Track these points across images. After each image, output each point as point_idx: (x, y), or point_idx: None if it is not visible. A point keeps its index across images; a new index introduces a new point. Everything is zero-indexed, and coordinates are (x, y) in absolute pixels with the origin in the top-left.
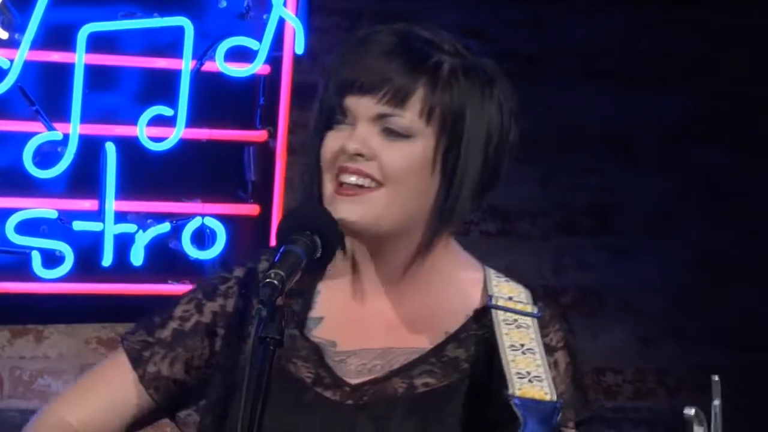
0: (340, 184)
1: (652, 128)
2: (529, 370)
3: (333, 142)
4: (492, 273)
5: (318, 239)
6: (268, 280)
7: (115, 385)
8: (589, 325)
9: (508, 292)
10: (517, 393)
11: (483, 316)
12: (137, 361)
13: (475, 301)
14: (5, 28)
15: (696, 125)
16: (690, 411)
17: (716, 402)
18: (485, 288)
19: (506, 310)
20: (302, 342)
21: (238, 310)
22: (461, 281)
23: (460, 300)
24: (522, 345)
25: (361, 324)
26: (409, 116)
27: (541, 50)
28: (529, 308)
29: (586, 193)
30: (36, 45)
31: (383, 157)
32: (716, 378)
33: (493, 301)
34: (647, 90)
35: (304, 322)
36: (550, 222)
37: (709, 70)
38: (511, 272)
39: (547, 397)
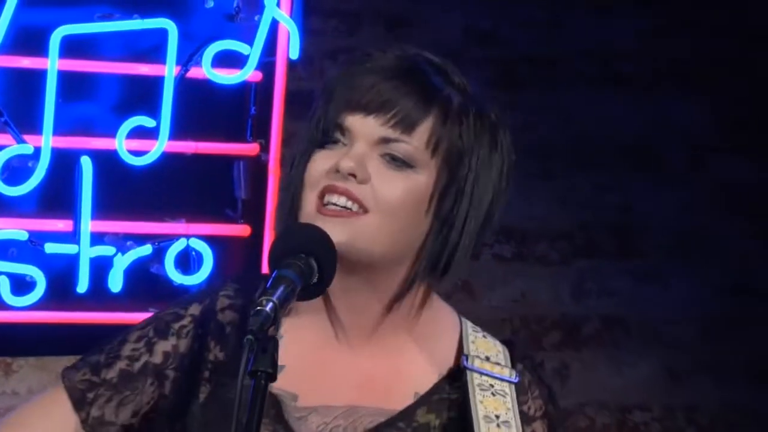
0: (324, 204)
1: (678, 138)
2: None
3: (323, 161)
4: (469, 327)
5: (314, 263)
6: (259, 307)
7: (55, 425)
8: (612, 357)
9: (486, 350)
10: None
11: (457, 377)
12: (80, 403)
13: (449, 359)
14: None
15: (727, 135)
16: None
17: None
18: (461, 344)
19: (482, 373)
20: None
21: (191, 351)
22: (437, 336)
23: (434, 357)
24: (497, 417)
25: (326, 376)
26: (416, 144)
27: (557, 54)
28: (507, 372)
29: (609, 212)
30: (4, 49)
31: (379, 184)
32: None
33: (469, 362)
34: (673, 97)
35: None
36: (569, 244)
37: (738, 73)
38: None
39: None
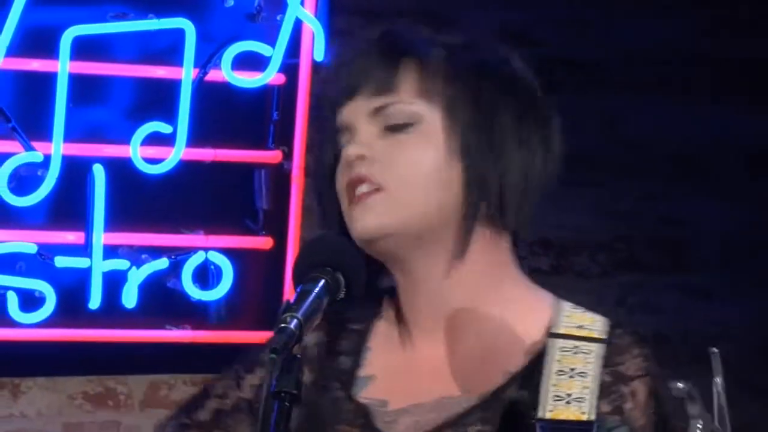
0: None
1: (733, 148)
2: (570, 392)
3: (342, 169)
4: (567, 305)
5: (341, 277)
6: (282, 324)
7: None
8: None
9: (580, 320)
10: (547, 416)
11: (541, 352)
12: None
13: (540, 336)
14: None
15: None
16: (681, 385)
17: (717, 379)
18: (552, 318)
19: (568, 338)
20: (348, 404)
21: None
22: (525, 313)
23: (523, 334)
24: (572, 369)
25: (411, 376)
26: (405, 98)
27: (598, 55)
28: (596, 334)
29: (654, 223)
30: (12, 51)
31: (390, 157)
32: (715, 350)
33: (555, 329)
34: (724, 102)
35: (352, 383)
36: (611, 257)
37: None
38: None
39: (584, 417)
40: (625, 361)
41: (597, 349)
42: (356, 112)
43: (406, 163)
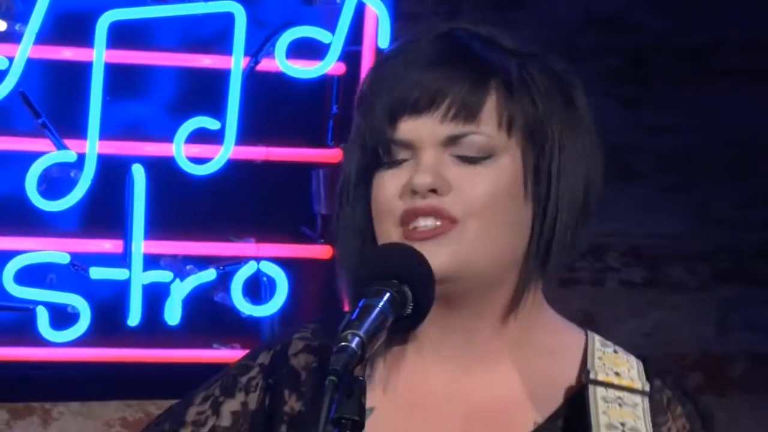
0: (412, 230)
1: None
2: None
3: (391, 182)
4: (597, 342)
5: (408, 290)
6: (343, 343)
7: None
8: (765, 406)
9: (614, 365)
10: None
11: (580, 396)
12: None
13: (571, 380)
14: (2, 17)
15: None
16: None
17: None
18: (585, 361)
19: (608, 386)
20: None
21: (263, 407)
22: (556, 355)
23: (553, 379)
24: (623, 424)
25: (427, 415)
26: (486, 130)
27: (696, 43)
28: (639, 385)
29: (760, 230)
30: (42, 38)
31: (462, 187)
32: None
33: (592, 376)
34: None
35: None
36: (710, 268)
37: None
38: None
39: None
40: (668, 420)
41: (641, 402)
42: (424, 133)
43: (484, 197)
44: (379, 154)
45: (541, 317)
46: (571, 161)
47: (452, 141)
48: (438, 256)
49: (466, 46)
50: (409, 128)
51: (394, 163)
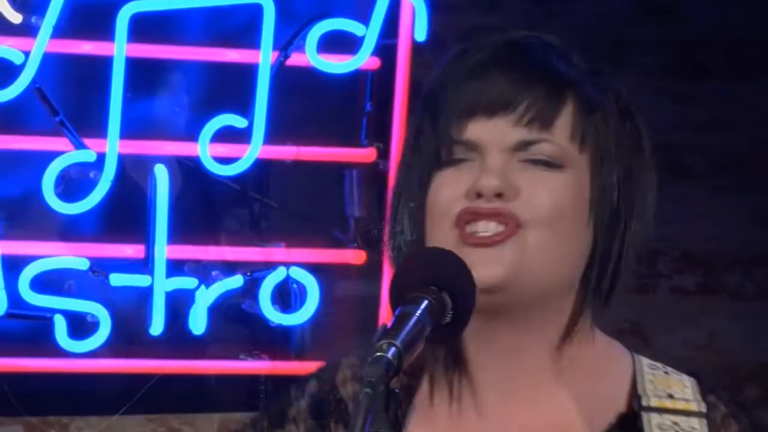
0: (471, 234)
1: None
2: None
3: (452, 184)
4: (645, 364)
5: (447, 297)
6: (378, 353)
7: None
8: None
9: (667, 387)
10: None
11: (631, 423)
12: None
13: (620, 405)
14: (18, 9)
15: None
16: None
17: None
18: (634, 385)
19: (662, 411)
20: None
21: None
22: (604, 380)
23: (601, 405)
24: None
25: None
26: (559, 140)
27: (752, 37)
28: (695, 406)
29: None
30: (59, 31)
31: (529, 193)
32: None
33: (644, 402)
34: None
35: None
36: None
37: None
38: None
39: None
40: None
41: (699, 425)
42: (494, 135)
43: (551, 206)
44: (440, 155)
45: (591, 341)
46: (643, 199)
47: (523, 146)
48: (495, 263)
49: (542, 55)
50: (478, 129)
51: (456, 164)
